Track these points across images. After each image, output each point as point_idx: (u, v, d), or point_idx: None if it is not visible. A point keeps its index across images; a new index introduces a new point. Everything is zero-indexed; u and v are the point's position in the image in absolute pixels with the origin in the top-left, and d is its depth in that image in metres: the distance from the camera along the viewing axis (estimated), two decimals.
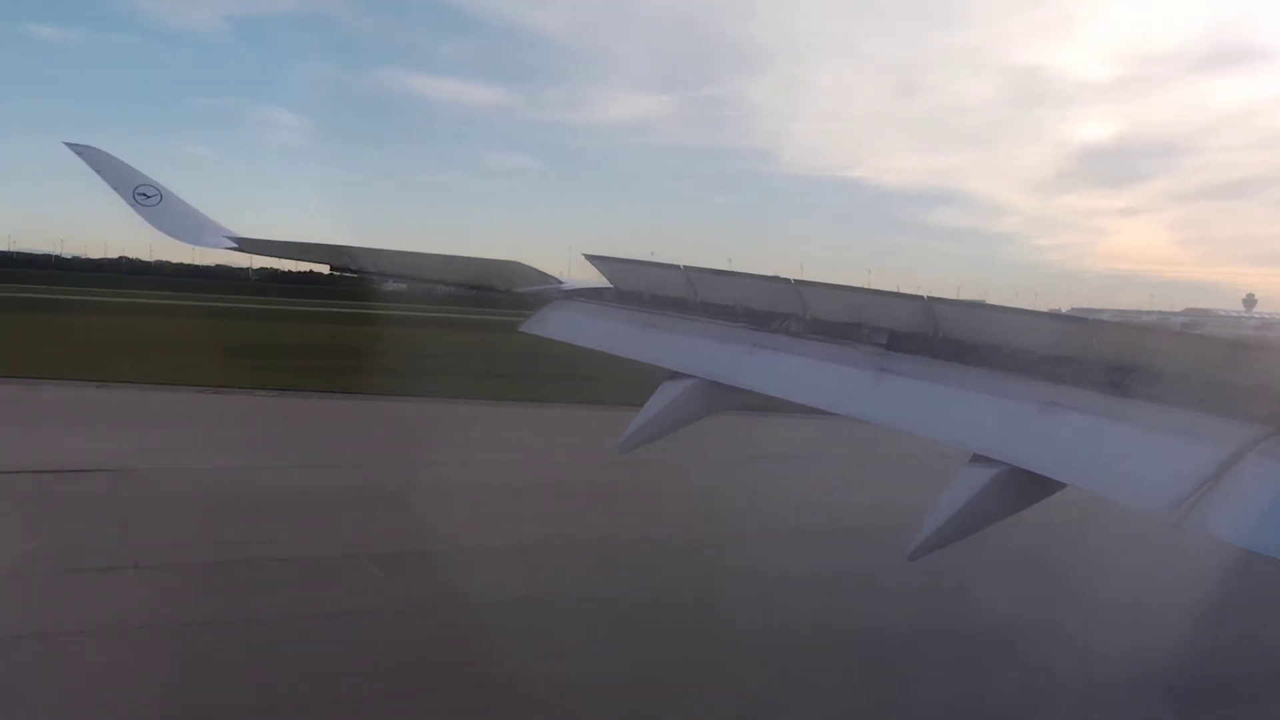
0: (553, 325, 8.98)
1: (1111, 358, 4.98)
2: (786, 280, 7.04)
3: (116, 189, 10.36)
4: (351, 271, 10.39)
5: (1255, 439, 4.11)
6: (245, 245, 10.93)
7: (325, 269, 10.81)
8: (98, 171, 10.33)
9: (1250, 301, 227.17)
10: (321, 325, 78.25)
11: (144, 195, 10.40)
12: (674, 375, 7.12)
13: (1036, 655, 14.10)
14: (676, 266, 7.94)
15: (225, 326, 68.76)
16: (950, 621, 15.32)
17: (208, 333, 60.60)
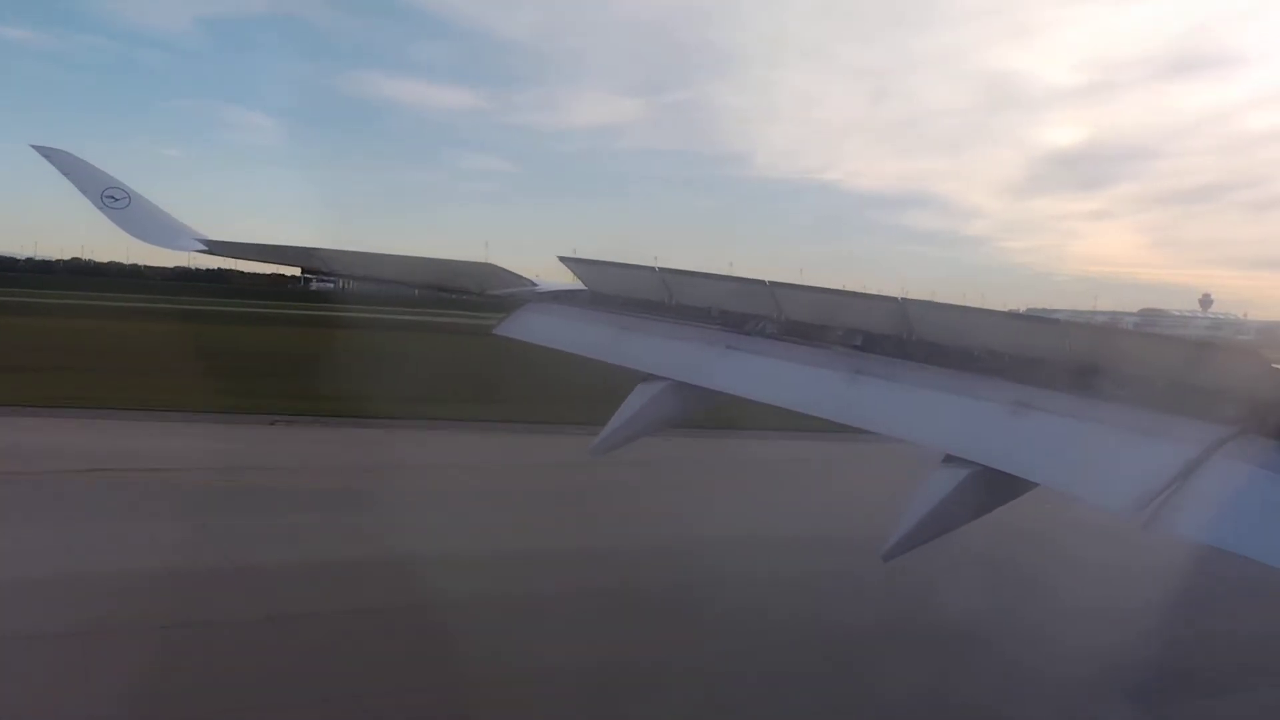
0: (527, 328, 8.94)
1: (1082, 359, 5.04)
2: (761, 282, 7.05)
3: (84, 192, 10.24)
4: (322, 274, 10.32)
5: (1222, 439, 4.16)
6: (215, 248, 10.84)
7: (296, 271, 10.74)
8: (66, 175, 10.21)
9: (1206, 302, 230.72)
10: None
11: (112, 198, 10.29)
12: (649, 377, 7.12)
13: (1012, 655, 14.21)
14: (651, 268, 7.93)
15: (196, 331, 63.77)
16: (930, 620, 15.40)
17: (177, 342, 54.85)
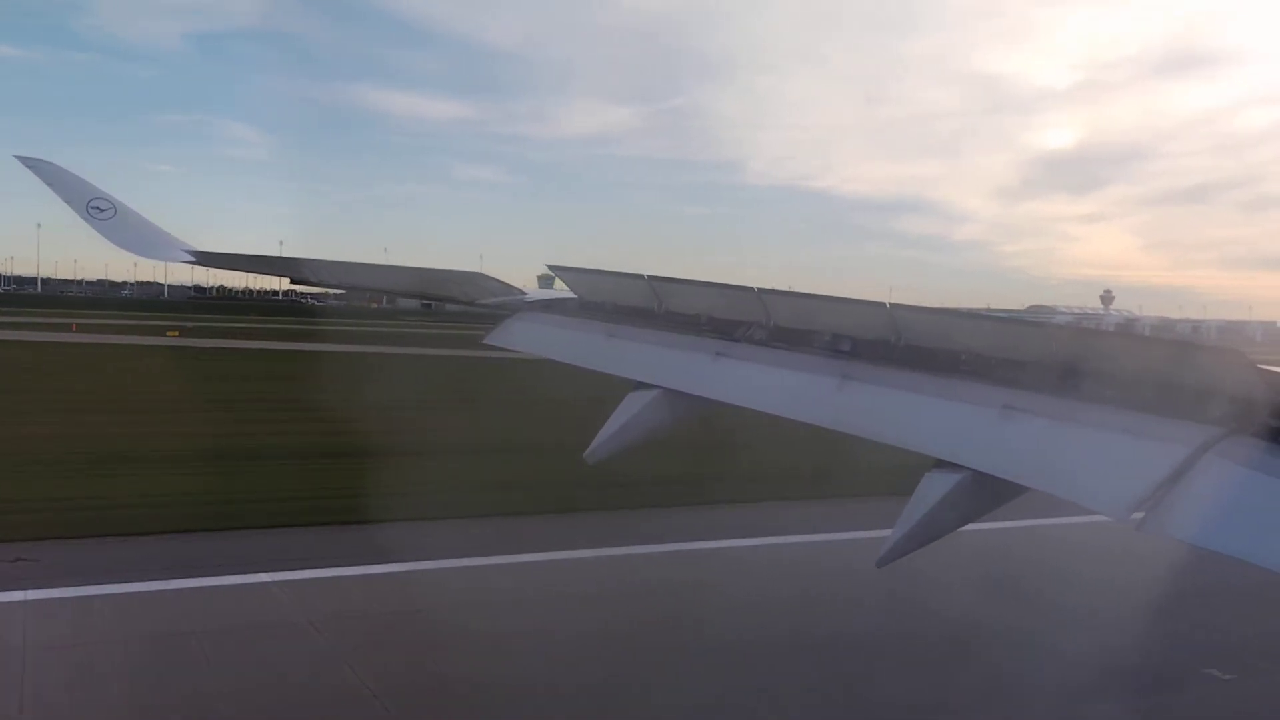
0: (517, 336, 8.93)
1: (1070, 362, 5.05)
2: (750, 289, 7.05)
3: (69, 203, 10.18)
4: (312, 284, 10.29)
5: (1211, 440, 4.18)
6: (203, 259, 10.79)
7: (284, 282, 10.70)
8: (50, 185, 10.15)
9: (1108, 298, 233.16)
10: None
11: (98, 209, 10.23)
12: (639, 385, 7.11)
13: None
14: (640, 276, 7.92)
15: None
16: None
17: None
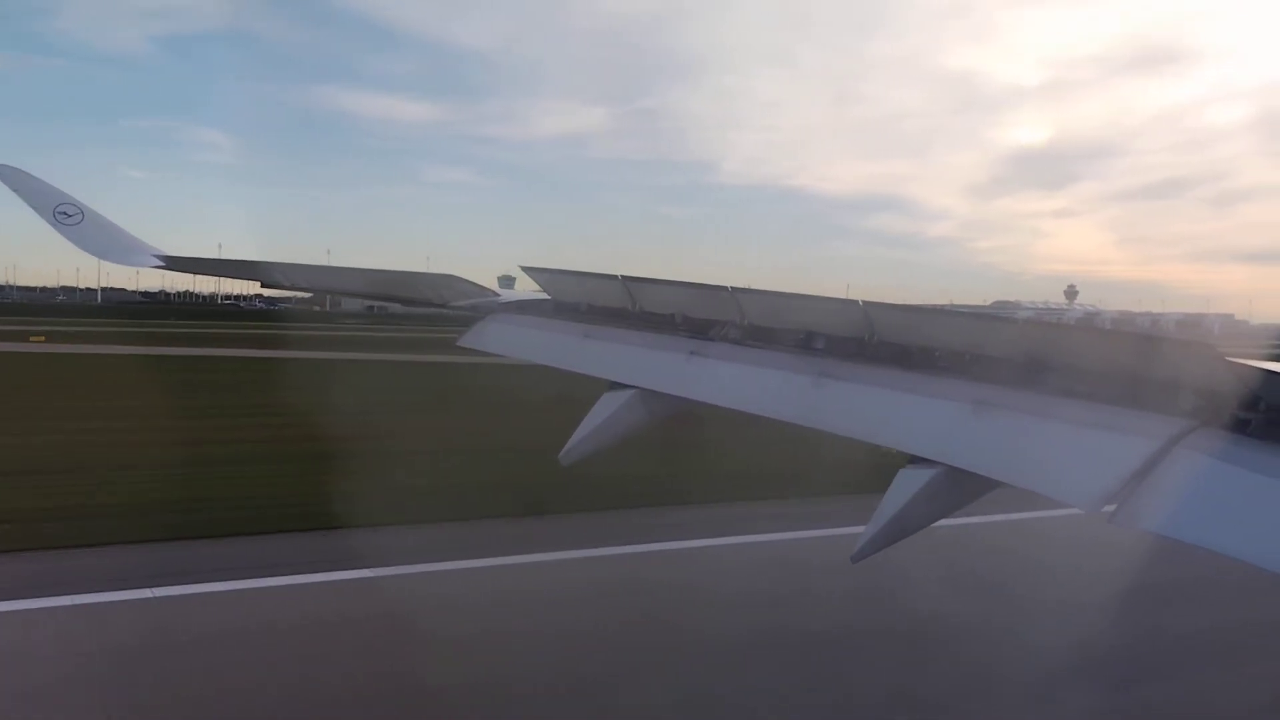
0: (490, 339, 8.90)
1: (1042, 356, 5.09)
2: (723, 287, 7.06)
3: (36, 208, 10.06)
4: (283, 288, 10.21)
5: (1182, 433, 4.22)
6: (173, 264, 10.69)
7: (255, 285, 10.62)
8: (16, 191, 10.03)
9: (1071, 293, 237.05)
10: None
11: (65, 214, 10.11)
12: (614, 386, 7.10)
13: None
14: (614, 276, 7.92)
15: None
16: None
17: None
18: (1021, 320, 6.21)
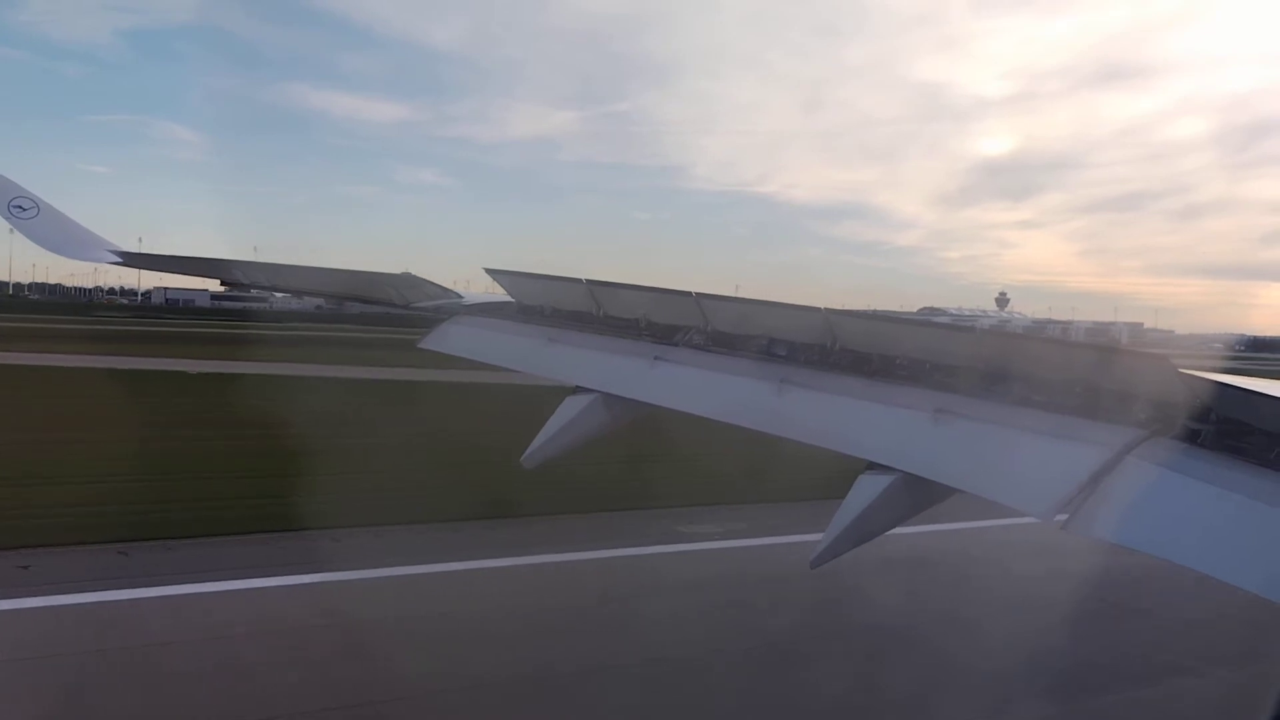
0: (453, 341, 8.84)
1: (1000, 366, 5.15)
2: (688, 293, 7.08)
3: None
4: (244, 286, 10.09)
5: (1133, 442, 4.29)
6: (131, 260, 10.54)
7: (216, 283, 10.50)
8: None
9: (1003, 301, 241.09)
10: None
11: (19, 208, 9.94)
12: (577, 389, 7.09)
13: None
14: (579, 280, 7.90)
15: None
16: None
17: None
18: (980, 330, 6.28)
